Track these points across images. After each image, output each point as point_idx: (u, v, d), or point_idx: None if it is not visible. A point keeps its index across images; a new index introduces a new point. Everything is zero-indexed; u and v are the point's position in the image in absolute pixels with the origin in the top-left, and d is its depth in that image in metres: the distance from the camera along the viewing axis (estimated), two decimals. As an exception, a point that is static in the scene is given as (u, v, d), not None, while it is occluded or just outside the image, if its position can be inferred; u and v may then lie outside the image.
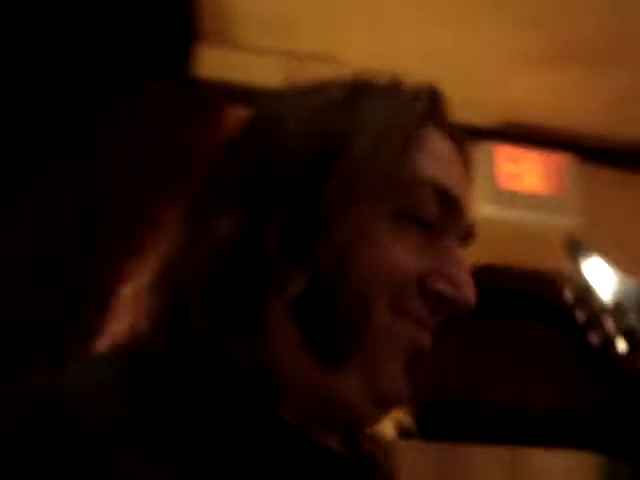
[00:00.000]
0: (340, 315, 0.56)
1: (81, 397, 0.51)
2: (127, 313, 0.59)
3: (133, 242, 0.60)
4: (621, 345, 0.75)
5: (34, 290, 1.65)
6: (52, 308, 1.62)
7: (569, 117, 2.44)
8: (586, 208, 2.46)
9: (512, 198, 2.44)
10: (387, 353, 0.57)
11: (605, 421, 2.50)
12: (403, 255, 0.57)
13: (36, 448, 0.48)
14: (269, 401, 0.57)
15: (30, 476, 0.48)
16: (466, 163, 0.66)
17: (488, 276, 2.33)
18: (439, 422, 1.97)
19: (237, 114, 0.77)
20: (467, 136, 0.67)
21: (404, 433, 0.69)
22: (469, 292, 0.58)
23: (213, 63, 2.01)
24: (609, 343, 0.76)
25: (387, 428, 0.67)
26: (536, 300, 2.49)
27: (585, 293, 0.78)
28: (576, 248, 0.81)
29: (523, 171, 2.44)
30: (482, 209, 2.36)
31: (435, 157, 0.61)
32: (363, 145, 0.58)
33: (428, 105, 0.64)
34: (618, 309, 0.77)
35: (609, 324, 0.77)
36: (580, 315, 0.78)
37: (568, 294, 0.79)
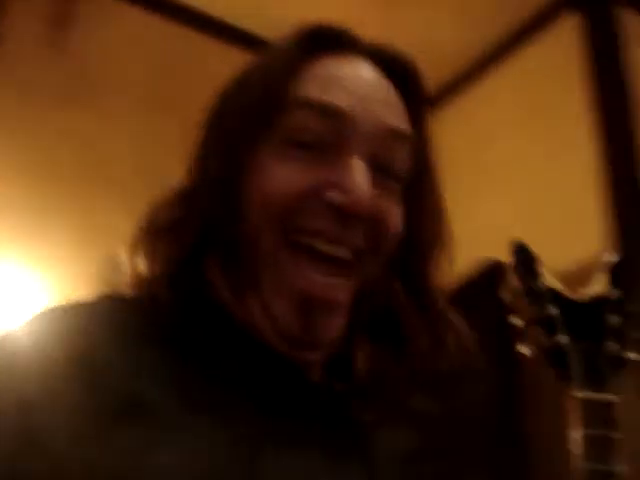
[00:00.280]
0: (238, 243, 0.60)
1: (90, 324, 0.57)
2: (130, 254, 0.64)
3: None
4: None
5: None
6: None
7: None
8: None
9: None
10: (274, 288, 0.59)
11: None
12: (285, 175, 0.59)
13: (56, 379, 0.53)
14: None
15: (59, 404, 0.51)
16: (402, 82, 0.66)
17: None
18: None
19: None
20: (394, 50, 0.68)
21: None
22: (362, 197, 0.58)
23: None
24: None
25: None
26: None
27: (522, 300, 0.77)
28: (523, 254, 0.79)
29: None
30: None
31: (319, 79, 0.62)
32: (248, 82, 0.64)
33: (310, 37, 0.65)
34: (548, 322, 0.76)
35: (538, 336, 0.75)
36: (515, 320, 0.77)
37: (506, 296, 0.77)
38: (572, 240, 2.21)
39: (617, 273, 0.78)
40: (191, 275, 0.63)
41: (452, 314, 0.70)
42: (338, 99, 0.61)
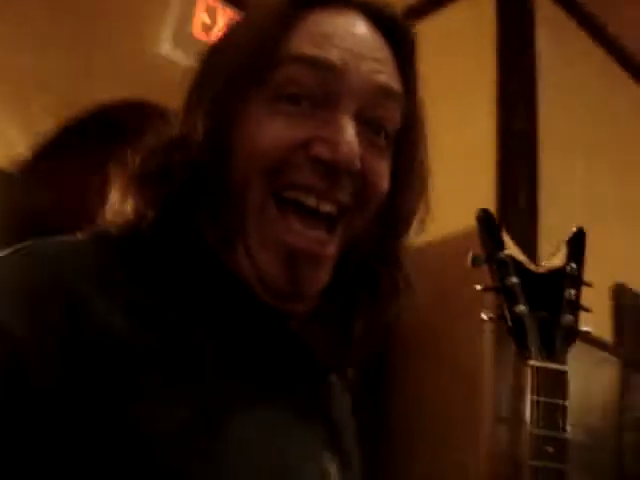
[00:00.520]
0: (223, 195, 0.60)
1: (75, 257, 0.58)
2: (120, 196, 0.63)
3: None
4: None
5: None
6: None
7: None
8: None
9: (197, 47, 2.50)
10: (261, 242, 0.60)
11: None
12: (274, 130, 0.59)
13: (38, 301, 0.53)
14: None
15: (35, 328, 0.52)
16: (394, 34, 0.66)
17: (139, 112, 2.33)
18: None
19: None
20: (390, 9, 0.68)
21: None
22: (349, 153, 0.59)
23: None
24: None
25: None
26: None
27: (485, 267, 0.78)
28: (488, 222, 0.80)
29: (219, 26, 2.54)
30: (168, 50, 2.44)
31: (312, 34, 0.62)
32: (239, 38, 0.64)
33: None
34: (509, 291, 0.77)
35: (499, 304, 0.77)
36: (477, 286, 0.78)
37: (472, 260, 0.79)
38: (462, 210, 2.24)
39: (575, 247, 0.80)
40: (179, 220, 0.63)
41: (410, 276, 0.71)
42: (331, 54, 0.60)
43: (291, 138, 0.59)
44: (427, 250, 1.38)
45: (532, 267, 0.78)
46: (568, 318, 0.76)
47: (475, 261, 0.79)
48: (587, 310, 0.78)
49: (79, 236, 0.63)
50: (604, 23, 2.76)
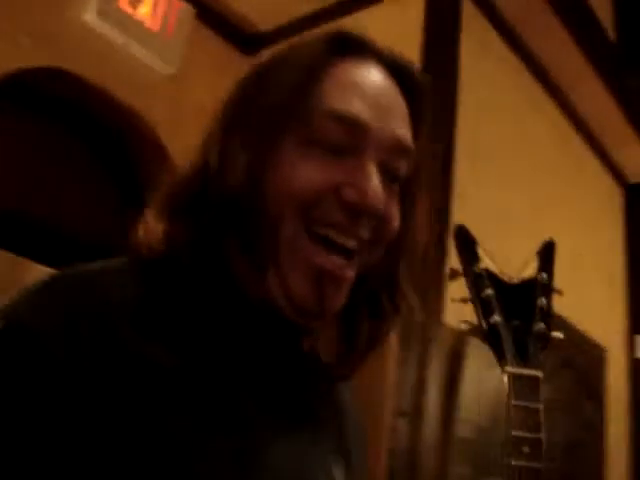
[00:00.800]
0: (258, 231, 0.67)
1: (107, 281, 0.63)
2: (154, 219, 0.69)
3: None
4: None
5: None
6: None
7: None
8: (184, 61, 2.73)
9: (123, 20, 2.56)
10: (292, 265, 0.67)
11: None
12: (308, 172, 0.66)
13: (70, 321, 0.58)
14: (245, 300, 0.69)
15: (64, 349, 0.56)
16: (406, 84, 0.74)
17: (57, 80, 2.43)
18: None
19: None
20: (408, 62, 0.76)
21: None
22: (375, 200, 0.67)
23: None
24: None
25: None
26: (92, 119, 2.67)
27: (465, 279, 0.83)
28: (464, 238, 0.85)
29: (145, 1, 2.63)
30: (92, 20, 2.48)
31: (341, 86, 0.69)
32: (277, 83, 0.70)
33: (336, 40, 0.72)
34: (485, 303, 0.82)
35: (476, 314, 0.82)
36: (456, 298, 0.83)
37: (449, 274, 0.83)
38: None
39: (546, 258, 0.86)
40: (208, 247, 0.68)
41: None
42: (359, 111, 0.68)
43: (323, 181, 0.66)
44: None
45: (506, 278, 0.84)
46: (540, 326, 0.82)
47: (452, 275, 0.83)
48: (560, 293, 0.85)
49: (114, 262, 0.68)
50: (521, 35, 2.92)
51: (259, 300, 0.69)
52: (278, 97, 0.68)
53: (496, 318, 0.82)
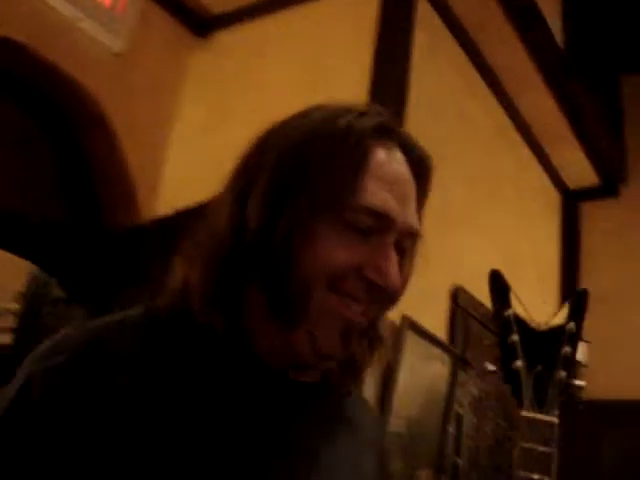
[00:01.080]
0: (291, 295, 0.77)
1: (110, 338, 0.76)
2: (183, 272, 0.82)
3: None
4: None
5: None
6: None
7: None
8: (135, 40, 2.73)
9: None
10: (323, 322, 0.78)
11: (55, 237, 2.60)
12: (338, 251, 0.77)
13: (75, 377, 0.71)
14: (251, 354, 0.81)
15: (73, 403, 0.69)
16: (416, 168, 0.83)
17: (4, 50, 2.42)
18: None
19: None
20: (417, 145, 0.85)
21: None
22: (395, 282, 0.78)
23: None
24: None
25: None
26: (37, 91, 2.66)
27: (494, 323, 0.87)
28: (498, 283, 0.88)
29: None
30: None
31: (378, 181, 0.79)
32: (324, 175, 0.78)
33: (380, 130, 0.81)
34: (509, 348, 0.86)
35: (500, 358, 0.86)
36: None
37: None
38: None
39: (576, 307, 0.89)
40: (229, 300, 0.80)
41: None
42: (390, 207, 0.78)
43: (350, 261, 0.77)
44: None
45: (534, 325, 0.88)
46: (561, 374, 0.86)
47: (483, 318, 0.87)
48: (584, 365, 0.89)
49: (130, 315, 0.81)
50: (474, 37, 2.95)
51: (267, 353, 0.80)
52: (328, 191, 0.77)
53: (518, 364, 0.86)
